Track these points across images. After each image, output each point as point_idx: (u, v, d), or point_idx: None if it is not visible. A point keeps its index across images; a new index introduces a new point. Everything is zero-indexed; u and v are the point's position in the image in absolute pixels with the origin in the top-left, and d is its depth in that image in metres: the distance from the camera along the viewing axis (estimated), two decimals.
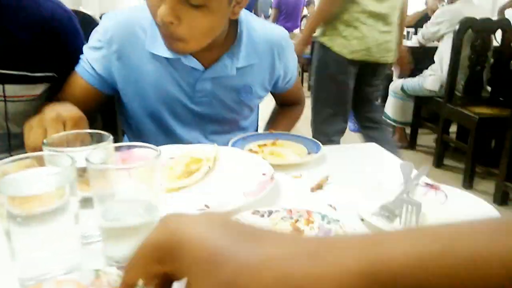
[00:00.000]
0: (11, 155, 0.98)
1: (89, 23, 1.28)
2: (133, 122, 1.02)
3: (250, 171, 0.73)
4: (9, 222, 0.42)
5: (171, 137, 1.00)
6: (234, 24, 0.93)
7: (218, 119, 1.01)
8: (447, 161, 2.84)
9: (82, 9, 1.37)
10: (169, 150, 0.80)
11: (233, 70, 0.93)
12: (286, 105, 1.20)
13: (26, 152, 0.97)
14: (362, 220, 0.60)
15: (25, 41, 0.90)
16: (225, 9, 0.81)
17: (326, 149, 0.87)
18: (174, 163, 0.75)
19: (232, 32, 0.93)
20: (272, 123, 1.18)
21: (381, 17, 1.93)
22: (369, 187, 0.69)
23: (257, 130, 1.18)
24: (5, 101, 0.91)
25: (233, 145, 0.87)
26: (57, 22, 0.93)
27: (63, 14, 0.95)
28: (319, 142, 0.88)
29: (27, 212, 0.42)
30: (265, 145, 0.90)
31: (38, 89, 0.96)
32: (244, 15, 0.95)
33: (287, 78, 1.08)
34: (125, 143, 0.53)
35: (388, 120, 3.01)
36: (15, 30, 0.89)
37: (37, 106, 0.97)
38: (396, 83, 2.99)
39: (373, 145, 0.96)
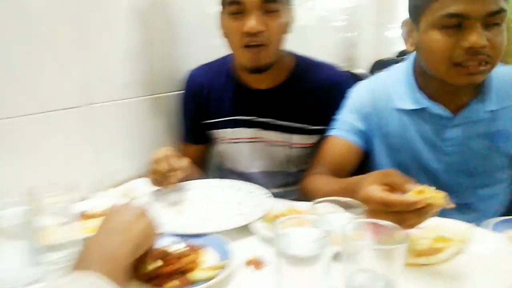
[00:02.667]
0: (285, 190, 1.23)
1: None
2: None
3: (509, 266, 0.65)
4: (281, 262, 0.56)
5: None
6: None
7: (469, 170, 0.95)
8: None
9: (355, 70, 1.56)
10: None
11: (485, 114, 0.90)
12: None
13: (295, 189, 1.21)
14: None
15: (311, 101, 1.12)
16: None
17: None
18: (420, 235, 0.75)
19: None
20: None
21: None
22: None
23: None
24: (289, 147, 1.16)
25: (493, 228, 0.78)
26: (337, 86, 1.11)
27: (343, 79, 1.13)
28: None
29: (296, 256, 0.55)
30: None
31: (314, 139, 1.16)
32: None
33: None
34: (374, 220, 0.60)
35: None
36: (304, 92, 1.12)
37: (311, 152, 1.18)
38: None
39: None
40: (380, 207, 0.66)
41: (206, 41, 1.41)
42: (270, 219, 0.83)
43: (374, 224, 0.62)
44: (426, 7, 0.84)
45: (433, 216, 0.65)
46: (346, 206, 0.70)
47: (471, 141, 0.93)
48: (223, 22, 1.05)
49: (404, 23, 0.93)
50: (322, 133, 1.14)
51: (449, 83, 0.86)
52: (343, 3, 3.05)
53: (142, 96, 1.21)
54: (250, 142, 1.17)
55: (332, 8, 2.83)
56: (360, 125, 1.02)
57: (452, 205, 0.65)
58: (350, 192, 0.80)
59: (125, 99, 1.15)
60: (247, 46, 1.00)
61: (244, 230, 0.82)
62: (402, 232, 0.56)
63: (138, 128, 1.21)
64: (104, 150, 1.09)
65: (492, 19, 0.79)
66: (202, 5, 1.39)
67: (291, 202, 0.92)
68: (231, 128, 1.17)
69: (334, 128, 1.05)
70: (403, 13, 0.93)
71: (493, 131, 0.92)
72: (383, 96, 1.00)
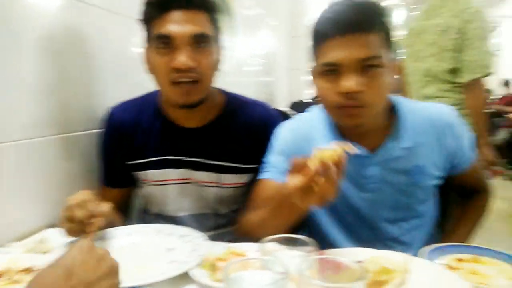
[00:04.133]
0: (216, 233, 1.16)
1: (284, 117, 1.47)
2: (313, 220, 1.05)
3: None
4: None
5: (347, 231, 1.01)
6: (389, 108, 0.96)
7: (391, 205, 0.98)
8: None
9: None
10: (355, 253, 0.80)
11: (401, 151, 0.94)
12: (465, 193, 1.10)
13: (226, 231, 1.15)
14: None
15: (242, 139, 1.09)
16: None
17: None
18: None
19: (390, 116, 0.96)
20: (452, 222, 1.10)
21: None
22: None
23: (438, 216, 1.09)
24: (220, 187, 1.11)
25: (428, 257, 0.81)
26: (268, 124, 1.10)
27: (273, 117, 1.13)
28: None
29: None
30: (463, 260, 0.81)
31: (245, 178, 1.13)
32: (400, 99, 0.98)
33: (461, 156, 1.01)
34: (327, 255, 0.58)
35: None
36: (235, 130, 1.09)
37: (243, 192, 1.13)
38: None
39: None
40: (300, 189, 0.73)
41: (125, 77, 1.33)
42: (209, 265, 0.76)
43: (323, 260, 0.60)
44: (315, 56, 0.90)
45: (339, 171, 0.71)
46: (293, 244, 0.67)
47: (390, 178, 0.96)
48: (150, 57, 0.99)
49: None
50: (253, 172, 1.11)
51: (341, 124, 0.93)
52: (258, 50, 3.19)
53: (52, 135, 1.08)
54: (178, 183, 1.10)
55: (249, 54, 2.94)
56: (287, 166, 1.01)
57: (356, 150, 0.73)
58: (280, 202, 0.83)
59: (31, 138, 1.01)
60: (177, 83, 0.95)
61: (180, 279, 0.73)
62: (359, 267, 0.55)
63: (48, 171, 1.06)
64: (5, 197, 0.93)
65: (368, 63, 0.83)
66: (121, 40, 1.32)
67: (228, 244, 0.86)
68: (157, 169, 1.09)
69: (264, 171, 1.03)
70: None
71: (411, 167, 0.95)
72: (305, 136, 1.01)
